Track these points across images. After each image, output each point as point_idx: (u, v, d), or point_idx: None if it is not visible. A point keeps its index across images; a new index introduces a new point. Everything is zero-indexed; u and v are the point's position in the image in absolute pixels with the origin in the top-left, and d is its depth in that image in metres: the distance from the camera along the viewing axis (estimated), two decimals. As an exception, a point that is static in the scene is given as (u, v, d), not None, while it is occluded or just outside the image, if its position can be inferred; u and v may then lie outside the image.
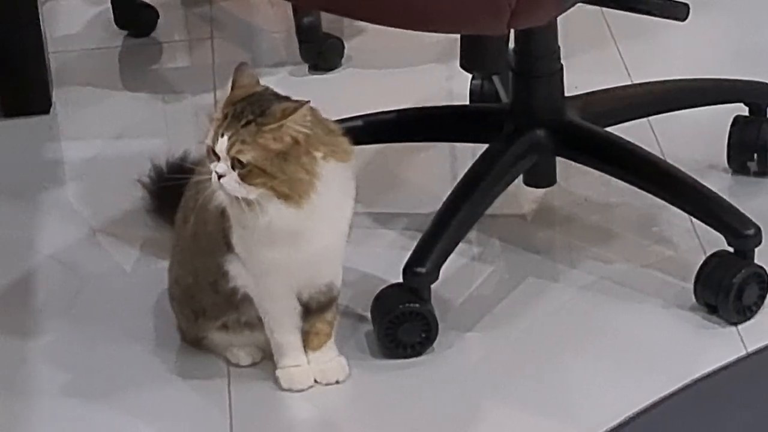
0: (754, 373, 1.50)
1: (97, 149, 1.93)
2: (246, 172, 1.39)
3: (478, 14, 1.46)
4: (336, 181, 1.43)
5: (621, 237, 1.70)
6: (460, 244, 1.58)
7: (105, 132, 1.96)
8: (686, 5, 1.61)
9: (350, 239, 1.48)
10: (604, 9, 2.02)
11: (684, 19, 1.61)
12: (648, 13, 1.62)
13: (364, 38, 2.10)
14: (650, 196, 1.65)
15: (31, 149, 1.95)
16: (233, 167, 1.39)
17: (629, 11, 1.65)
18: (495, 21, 1.46)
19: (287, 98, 1.42)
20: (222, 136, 1.39)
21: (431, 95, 1.95)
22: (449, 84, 1.99)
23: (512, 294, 1.62)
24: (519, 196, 1.76)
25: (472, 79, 1.88)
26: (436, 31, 1.60)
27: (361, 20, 1.58)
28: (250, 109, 1.40)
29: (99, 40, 2.16)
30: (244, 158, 1.39)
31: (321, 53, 2.04)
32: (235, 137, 1.39)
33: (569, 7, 1.53)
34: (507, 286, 1.64)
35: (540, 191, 1.76)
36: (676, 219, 1.70)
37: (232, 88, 1.42)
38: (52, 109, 2.01)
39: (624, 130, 1.70)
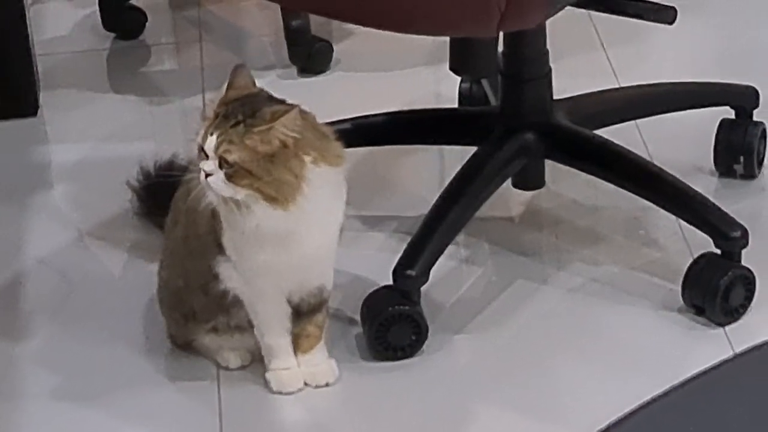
0: (742, 374, 1.50)
1: (85, 152, 1.93)
2: (232, 172, 1.39)
3: (468, 17, 1.46)
4: (326, 185, 1.43)
5: (609, 239, 1.71)
6: (449, 247, 1.59)
7: (93, 135, 1.96)
8: (674, 9, 1.62)
9: (340, 242, 1.48)
10: (592, 12, 2.02)
11: (671, 23, 1.62)
12: (636, 16, 1.63)
13: (353, 41, 2.11)
14: (638, 198, 1.66)
15: (18, 152, 1.94)
16: (220, 166, 1.39)
17: (617, 15, 1.66)
18: (485, 24, 1.46)
19: (281, 101, 1.42)
20: (211, 134, 1.40)
21: (420, 98, 1.95)
22: (438, 87, 1.99)
23: (501, 296, 1.63)
24: (507, 199, 1.76)
25: (461, 82, 1.89)
26: (425, 34, 1.60)
27: (351, 23, 1.59)
28: (242, 110, 1.40)
29: (87, 43, 2.15)
30: (230, 158, 1.39)
31: (310, 56, 2.05)
32: (223, 137, 1.39)
33: (558, 11, 1.54)
34: (496, 288, 1.64)
35: (528, 194, 1.76)
36: (664, 221, 1.70)
37: (227, 89, 1.43)
38: (39, 112, 2.00)
39: (612, 133, 1.71)
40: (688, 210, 1.62)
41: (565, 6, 1.55)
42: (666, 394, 1.47)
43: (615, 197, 1.72)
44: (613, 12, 1.66)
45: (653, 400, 1.47)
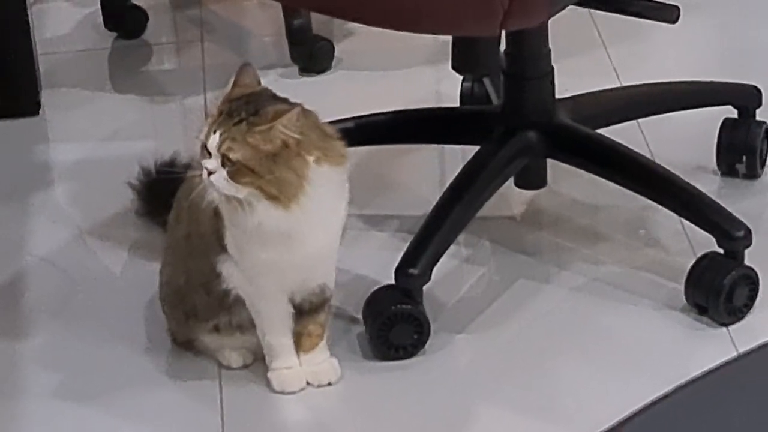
0: (745, 375, 1.50)
1: (87, 151, 1.93)
2: (234, 170, 1.39)
3: (471, 16, 1.46)
4: (329, 184, 1.43)
5: (611, 239, 1.71)
6: (451, 246, 1.58)
7: (94, 134, 1.96)
8: (676, 8, 1.61)
9: (342, 241, 1.48)
10: (593, 11, 2.02)
11: (674, 22, 1.62)
12: (639, 15, 1.63)
13: (355, 40, 2.10)
14: (640, 197, 1.65)
15: (20, 151, 1.94)
16: (223, 164, 1.39)
17: (619, 14, 1.65)
18: (488, 22, 1.46)
19: (285, 100, 1.42)
20: (214, 132, 1.40)
21: (421, 97, 1.95)
22: (439, 86, 1.99)
23: (503, 295, 1.63)
24: (509, 198, 1.76)
25: (463, 81, 1.89)
26: (428, 33, 1.60)
27: (353, 21, 1.59)
28: (245, 108, 1.40)
29: (88, 42, 2.15)
30: (233, 156, 1.39)
31: (311, 55, 2.04)
32: (226, 134, 1.39)
33: (561, 9, 1.54)
34: (498, 287, 1.64)
35: (530, 193, 1.76)
36: (666, 220, 1.70)
37: (232, 86, 1.43)
38: (41, 111, 2.00)
39: (614, 133, 1.71)
40: (691, 209, 1.61)
41: (568, 5, 1.54)
42: (669, 395, 1.47)
43: (617, 196, 1.71)
44: (615, 11, 1.66)
45: (656, 401, 1.46)
